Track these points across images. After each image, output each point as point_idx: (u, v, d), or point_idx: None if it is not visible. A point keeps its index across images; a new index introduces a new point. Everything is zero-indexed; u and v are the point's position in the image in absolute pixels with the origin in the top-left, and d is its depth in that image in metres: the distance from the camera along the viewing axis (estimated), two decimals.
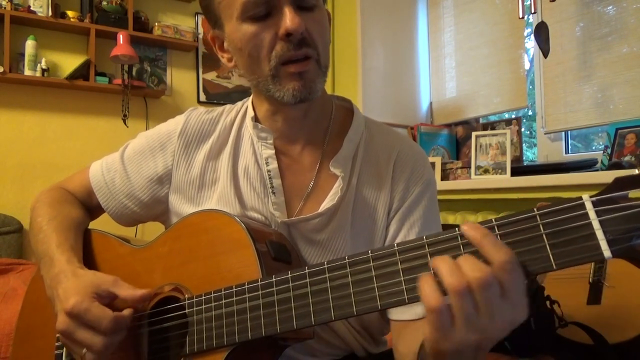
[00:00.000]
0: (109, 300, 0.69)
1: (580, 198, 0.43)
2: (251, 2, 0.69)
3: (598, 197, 0.43)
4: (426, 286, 0.47)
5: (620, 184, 0.42)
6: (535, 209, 0.45)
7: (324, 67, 0.74)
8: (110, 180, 0.87)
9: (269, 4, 0.69)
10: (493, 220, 0.46)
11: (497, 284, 0.44)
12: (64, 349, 0.77)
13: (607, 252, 0.42)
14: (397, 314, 0.75)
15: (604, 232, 0.42)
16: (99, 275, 0.72)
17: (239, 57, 0.75)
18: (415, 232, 0.78)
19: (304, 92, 0.71)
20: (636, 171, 0.42)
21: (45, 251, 0.77)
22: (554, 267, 0.44)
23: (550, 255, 0.44)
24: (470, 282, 0.44)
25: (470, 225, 0.48)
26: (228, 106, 0.88)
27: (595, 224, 0.42)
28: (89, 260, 0.81)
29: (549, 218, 0.44)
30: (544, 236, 0.44)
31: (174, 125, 0.86)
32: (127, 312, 0.68)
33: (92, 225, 0.90)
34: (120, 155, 0.88)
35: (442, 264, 0.47)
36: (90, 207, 0.90)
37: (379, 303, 0.52)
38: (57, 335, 0.78)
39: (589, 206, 0.43)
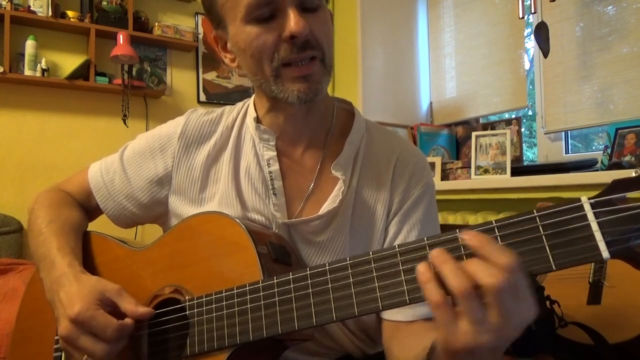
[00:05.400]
0: (112, 308, 0.68)
1: (579, 200, 0.44)
2: (255, 4, 0.68)
3: (596, 199, 0.43)
4: (428, 283, 0.46)
5: (618, 186, 0.42)
6: (535, 211, 0.45)
7: (329, 67, 0.73)
8: (109, 181, 0.87)
9: (273, 5, 0.68)
10: (493, 222, 0.47)
11: (511, 287, 0.43)
12: (63, 354, 0.76)
13: (605, 253, 0.42)
14: (390, 314, 0.75)
15: (603, 234, 0.42)
16: (102, 281, 0.71)
17: (242, 58, 0.75)
18: (415, 235, 0.78)
19: (310, 93, 0.71)
20: (633, 173, 0.42)
21: (45, 254, 0.77)
22: (554, 267, 0.44)
23: (550, 256, 0.45)
24: (485, 286, 0.43)
25: (470, 234, 0.47)
26: (228, 107, 0.88)
27: (594, 226, 0.43)
28: (88, 263, 0.81)
29: (548, 219, 0.45)
30: (544, 237, 0.45)
31: (173, 127, 0.85)
32: (129, 321, 0.68)
33: (91, 227, 0.89)
34: (120, 157, 0.88)
35: (444, 265, 0.46)
36: (89, 208, 0.90)
37: (380, 304, 0.52)
38: (56, 338, 0.77)
39: (587, 208, 0.43)
